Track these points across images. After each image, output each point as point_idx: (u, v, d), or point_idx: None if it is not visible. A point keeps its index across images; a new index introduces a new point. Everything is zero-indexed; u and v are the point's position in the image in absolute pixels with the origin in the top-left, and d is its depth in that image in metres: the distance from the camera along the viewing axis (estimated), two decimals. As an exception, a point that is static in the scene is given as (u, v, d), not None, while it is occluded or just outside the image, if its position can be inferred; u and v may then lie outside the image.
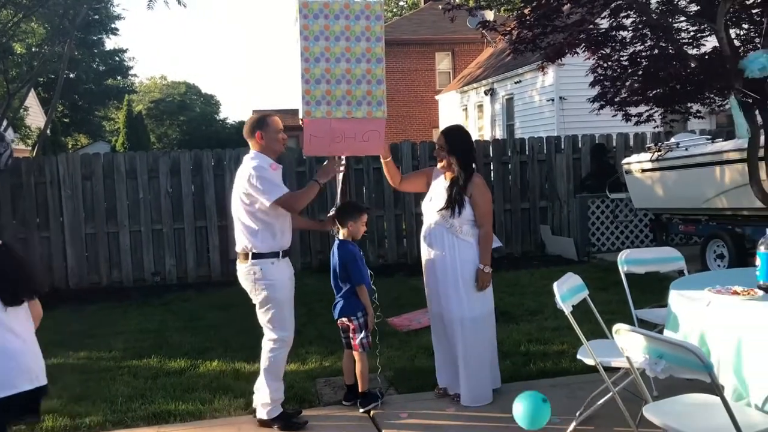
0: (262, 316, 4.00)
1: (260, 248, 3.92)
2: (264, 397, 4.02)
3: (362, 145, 4.01)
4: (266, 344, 4.02)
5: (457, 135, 4.35)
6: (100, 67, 31.57)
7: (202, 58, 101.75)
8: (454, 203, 4.18)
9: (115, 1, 29.45)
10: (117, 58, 32.30)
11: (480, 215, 4.21)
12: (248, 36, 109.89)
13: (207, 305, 7.80)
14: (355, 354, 4.19)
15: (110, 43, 32.71)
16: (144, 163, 9.53)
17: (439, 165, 4.33)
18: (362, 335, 4.15)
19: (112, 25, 30.25)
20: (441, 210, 4.21)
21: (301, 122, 4.08)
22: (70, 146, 30.92)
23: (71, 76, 26.74)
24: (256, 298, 3.98)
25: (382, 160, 4.36)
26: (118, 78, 33.46)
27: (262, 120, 4.04)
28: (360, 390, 4.20)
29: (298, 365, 5.14)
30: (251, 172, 3.86)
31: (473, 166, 4.27)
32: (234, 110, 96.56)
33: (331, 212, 4.30)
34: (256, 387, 4.11)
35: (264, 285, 3.92)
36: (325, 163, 4.16)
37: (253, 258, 3.92)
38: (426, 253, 4.33)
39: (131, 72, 35.14)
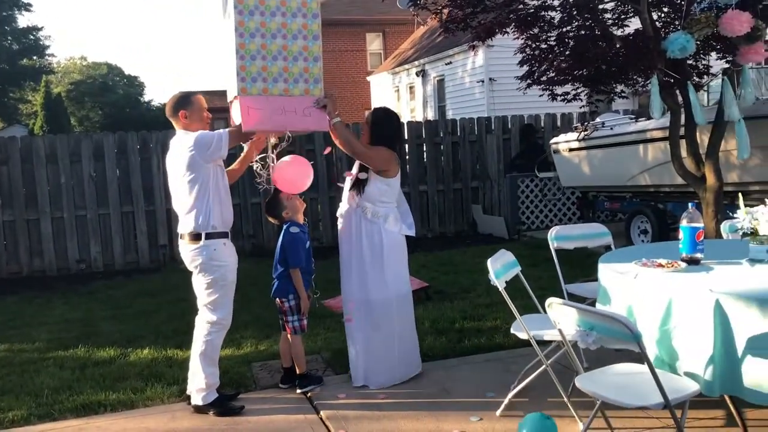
0: (205, 298, 3.89)
1: (213, 227, 3.81)
2: (199, 382, 3.92)
3: (305, 120, 3.91)
4: (203, 327, 3.92)
5: (383, 115, 4.30)
6: (13, 46, 29.98)
7: (125, 38, 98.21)
8: (357, 180, 4.18)
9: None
10: (32, 37, 30.74)
11: (371, 151, 4.10)
12: (173, 15, 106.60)
13: (135, 292, 7.57)
14: (289, 336, 4.15)
15: (23, 20, 31.12)
16: (65, 147, 9.12)
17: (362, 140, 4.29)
18: (294, 318, 4.12)
19: (24, 1, 28.73)
20: (350, 189, 4.22)
21: (230, 102, 3.96)
22: (-18, 130, 29.35)
23: (-19, 55, 25.34)
24: (204, 279, 3.85)
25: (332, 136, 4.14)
26: (34, 58, 31.87)
27: (185, 98, 3.92)
28: (298, 372, 4.16)
29: (233, 350, 5.05)
30: (190, 143, 3.75)
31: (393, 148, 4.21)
32: (159, 92, 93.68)
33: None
34: (190, 373, 4.01)
35: (216, 266, 3.83)
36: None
37: (206, 238, 3.80)
38: (339, 234, 4.34)
39: (48, 52, 33.53)
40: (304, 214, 4.33)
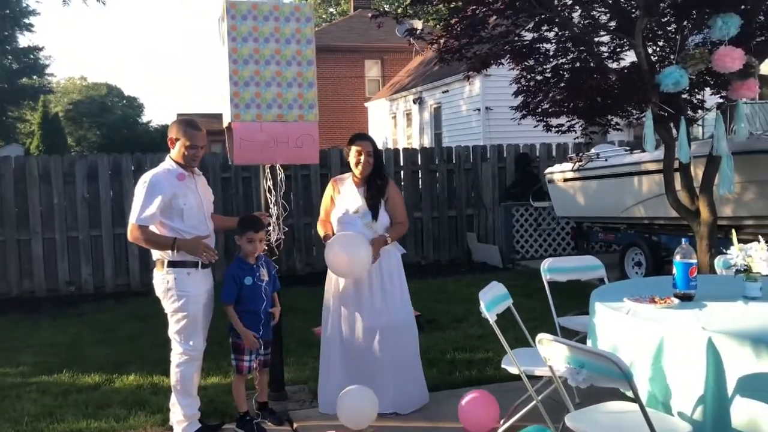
0: (172, 327, 3.83)
1: (176, 257, 3.73)
2: (177, 414, 3.85)
3: (296, 152, 3.88)
4: (173, 358, 3.87)
5: (376, 144, 4.37)
6: (13, 65, 30.07)
7: (125, 59, 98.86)
8: (376, 210, 4.18)
9: (31, -4, 28.13)
10: (32, 56, 30.84)
11: (400, 213, 4.30)
12: (174, 36, 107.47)
13: (125, 316, 7.49)
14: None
15: (24, 40, 31.24)
16: (59, 167, 9.09)
17: (358, 171, 4.18)
18: (232, 356, 4.00)
19: (26, 21, 28.87)
20: (366, 220, 4.17)
21: (226, 128, 3.93)
22: (-21, 148, 29.32)
23: (-19, 74, 25.44)
24: (168, 307, 3.80)
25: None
26: (34, 77, 31.95)
27: (172, 124, 3.84)
28: (238, 411, 4.03)
29: (219, 378, 4.98)
30: (142, 179, 3.75)
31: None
32: (158, 113, 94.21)
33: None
34: (171, 404, 3.93)
35: (176, 296, 3.73)
36: (194, 238, 3.73)
37: (168, 266, 3.73)
38: None
39: (48, 71, 33.64)
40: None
